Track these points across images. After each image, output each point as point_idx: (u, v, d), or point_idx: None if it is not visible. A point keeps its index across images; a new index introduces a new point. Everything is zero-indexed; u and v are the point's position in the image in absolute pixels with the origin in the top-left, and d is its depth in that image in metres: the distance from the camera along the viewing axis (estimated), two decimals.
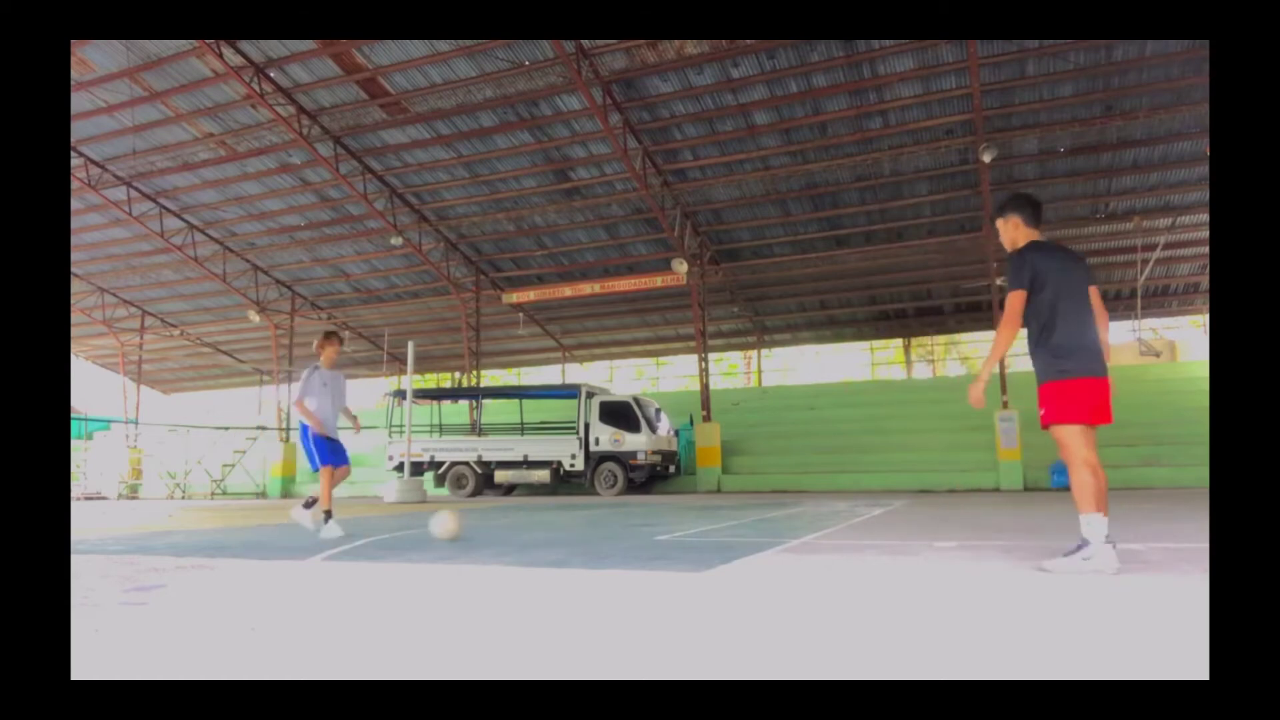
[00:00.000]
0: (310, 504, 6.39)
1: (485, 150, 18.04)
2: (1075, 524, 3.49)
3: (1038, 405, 3.64)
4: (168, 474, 23.72)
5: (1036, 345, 3.61)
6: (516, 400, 21.52)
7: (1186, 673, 1.73)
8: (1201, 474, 13.70)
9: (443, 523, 5.42)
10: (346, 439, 6.67)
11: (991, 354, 3.66)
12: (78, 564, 4.16)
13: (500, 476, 17.64)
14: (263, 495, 22.53)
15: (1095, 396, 3.52)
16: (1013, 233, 3.78)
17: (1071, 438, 3.55)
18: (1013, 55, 14.20)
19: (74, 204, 20.26)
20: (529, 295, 22.23)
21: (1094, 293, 3.67)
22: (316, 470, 6.34)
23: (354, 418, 6.74)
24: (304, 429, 6.37)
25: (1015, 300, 3.54)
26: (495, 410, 22.39)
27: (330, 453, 6.33)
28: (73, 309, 24.73)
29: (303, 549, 4.99)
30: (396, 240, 20.17)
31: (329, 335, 6.49)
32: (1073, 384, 3.50)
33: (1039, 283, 3.53)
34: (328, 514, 6.19)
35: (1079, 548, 3.41)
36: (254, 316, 24.12)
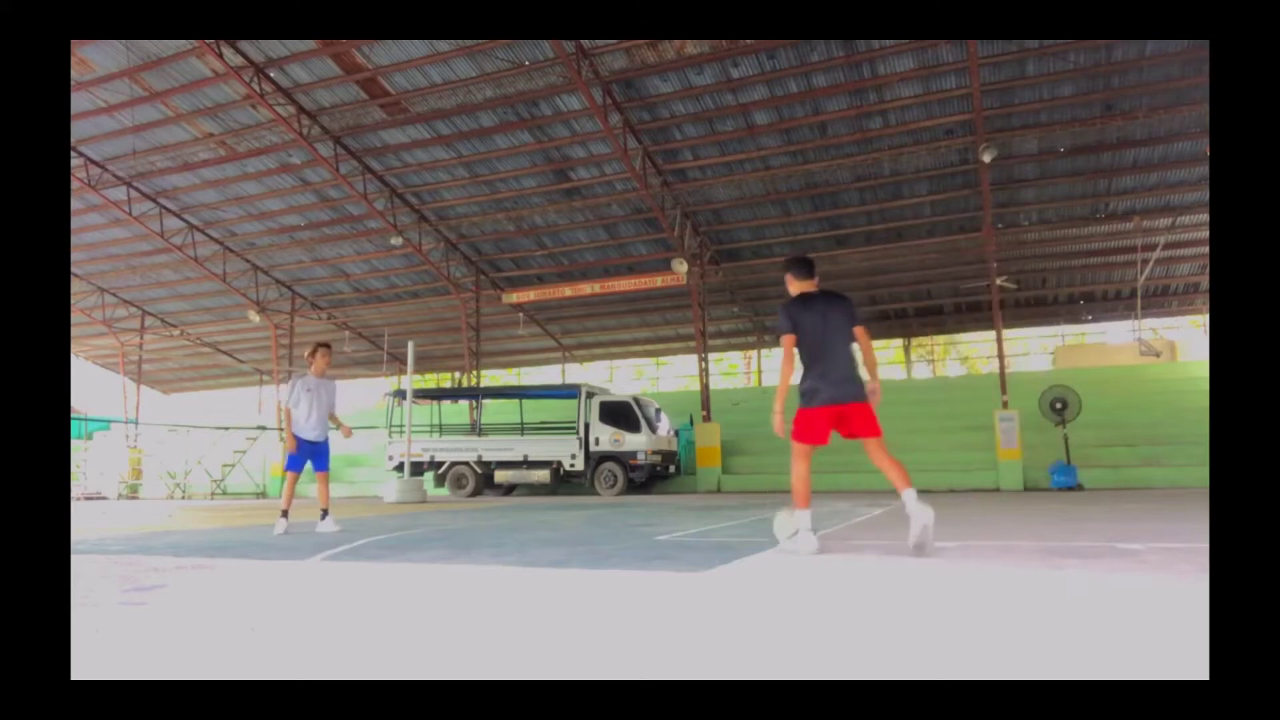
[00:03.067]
0: (325, 515, 6.77)
1: (485, 150, 18.04)
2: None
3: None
4: (168, 474, 23.71)
5: (800, 377, 4.51)
6: (516, 400, 21.52)
7: (1186, 673, 1.73)
8: (1201, 474, 13.71)
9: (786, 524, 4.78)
10: (336, 440, 6.97)
11: (779, 389, 4.55)
12: (78, 564, 4.16)
13: (500, 476, 17.64)
14: (263, 495, 22.52)
15: (841, 419, 4.46)
16: (790, 285, 4.69)
17: (797, 451, 4.50)
18: (1013, 55, 14.20)
19: (74, 204, 20.26)
20: (529, 295, 22.23)
21: (859, 333, 4.52)
22: (285, 471, 6.89)
23: (340, 424, 7.11)
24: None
25: (785, 342, 4.49)
26: (495, 410, 22.39)
27: (301, 460, 6.79)
28: (73, 309, 24.74)
29: (303, 549, 4.99)
30: (396, 240, 20.18)
31: (320, 345, 6.89)
32: (811, 412, 4.41)
33: (798, 328, 4.45)
34: (284, 512, 6.63)
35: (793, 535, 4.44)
36: (254, 316, 24.12)
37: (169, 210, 21.27)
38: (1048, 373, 21.89)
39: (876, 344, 28.79)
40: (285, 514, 6.62)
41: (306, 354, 6.88)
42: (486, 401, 20.97)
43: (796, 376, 4.55)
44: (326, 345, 6.98)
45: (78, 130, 17.92)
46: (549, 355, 28.95)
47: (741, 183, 18.29)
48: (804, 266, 4.75)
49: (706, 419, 19.23)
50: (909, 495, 4.18)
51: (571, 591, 3.10)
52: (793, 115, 16.14)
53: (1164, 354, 20.62)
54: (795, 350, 4.48)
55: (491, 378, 29.55)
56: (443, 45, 14.79)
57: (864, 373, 4.56)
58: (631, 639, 2.22)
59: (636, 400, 17.38)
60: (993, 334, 18.29)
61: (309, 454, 6.82)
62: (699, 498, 14.38)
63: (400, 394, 18.98)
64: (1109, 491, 13.56)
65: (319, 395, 6.79)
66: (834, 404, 4.39)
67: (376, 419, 21.86)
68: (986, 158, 15.48)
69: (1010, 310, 21.70)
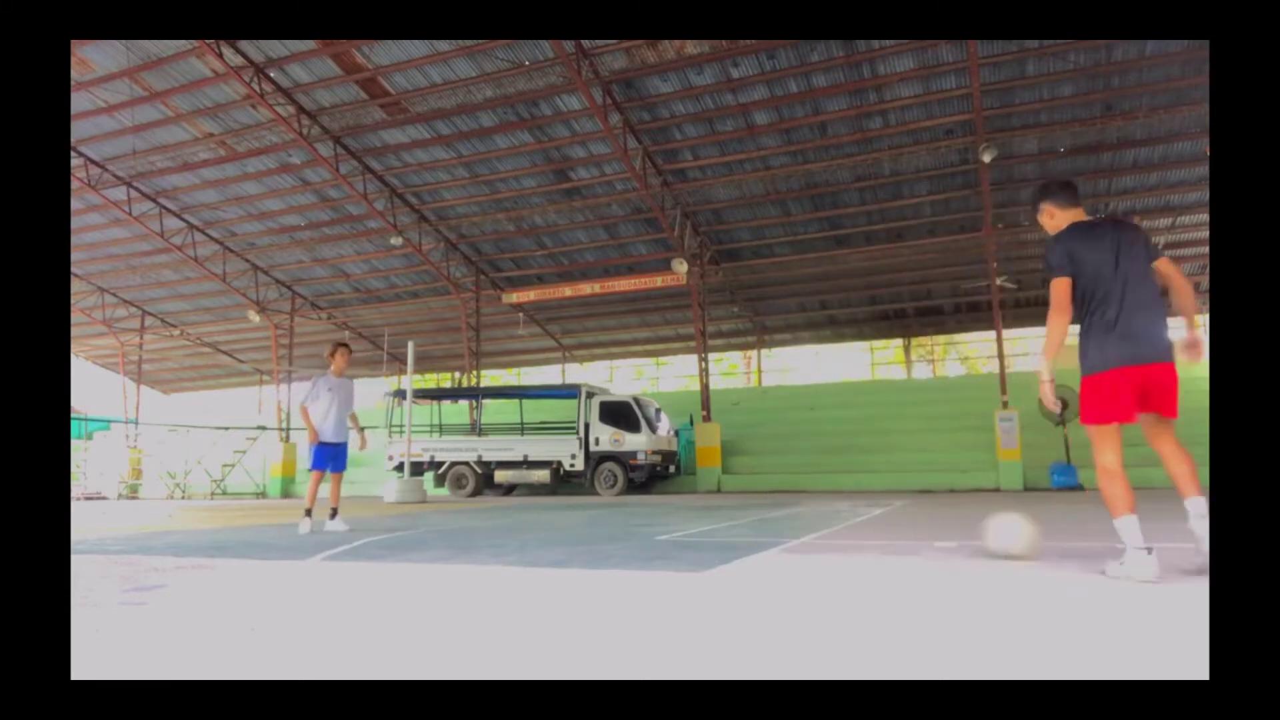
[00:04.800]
0: (334, 514, 6.85)
1: (485, 150, 18.04)
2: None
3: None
4: (168, 474, 23.71)
5: (1082, 334, 3.43)
6: (516, 400, 21.52)
7: (1186, 673, 1.73)
8: (1202, 474, 13.68)
9: (1012, 533, 4.02)
10: (353, 443, 7.12)
11: (1046, 348, 3.47)
12: (78, 564, 4.16)
13: (500, 476, 17.64)
14: (263, 495, 22.53)
15: (1142, 386, 3.30)
16: (1049, 221, 3.61)
17: (1099, 438, 3.37)
18: (1013, 55, 14.20)
19: (74, 204, 20.25)
20: (529, 295, 22.23)
21: (1162, 264, 3.41)
22: (310, 470, 6.83)
23: (361, 429, 7.20)
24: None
25: (1058, 287, 3.35)
26: (495, 410, 22.39)
27: (325, 458, 6.81)
28: (73, 309, 24.74)
29: (303, 549, 4.99)
30: (396, 240, 20.17)
31: (340, 345, 6.96)
32: (1106, 377, 3.29)
33: (1080, 266, 3.32)
34: (308, 512, 6.71)
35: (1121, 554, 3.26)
36: (254, 316, 24.11)
37: (169, 210, 21.26)
38: None
39: (876, 344, 28.99)
40: (309, 513, 6.70)
41: (327, 353, 6.96)
42: (486, 401, 20.97)
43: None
44: (346, 345, 7.06)
45: (78, 130, 17.92)
46: (549, 355, 28.95)
47: (741, 183, 18.29)
48: (1066, 191, 3.59)
49: (706, 419, 19.23)
50: (1195, 504, 3.22)
51: (571, 591, 3.10)
52: (793, 115, 16.13)
53: None
54: (1071, 297, 3.36)
55: (491, 378, 29.54)
56: (443, 45, 14.79)
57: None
58: (631, 639, 2.22)
59: (636, 400, 17.38)
60: (993, 334, 18.28)
61: (331, 452, 6.87)
62: (699, 498, 14.38)
63: (400, 394, 18.98)
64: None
65: (339, 395, 6.87)
66: (1137, 364, 3.27)
67: (376, 419, 21.87)
68: (986, 158, 15.48)
69: (1010, 310, 21.69)
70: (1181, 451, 3.33)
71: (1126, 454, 3.38)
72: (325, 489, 6.90)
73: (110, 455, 26.35)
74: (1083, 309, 3.37)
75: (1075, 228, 3.46)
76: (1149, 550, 3.11)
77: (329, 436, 6.80)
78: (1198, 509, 3.17)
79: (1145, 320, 3.30)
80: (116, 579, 3.59)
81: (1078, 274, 3.34)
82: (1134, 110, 15.05)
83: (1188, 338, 3.40)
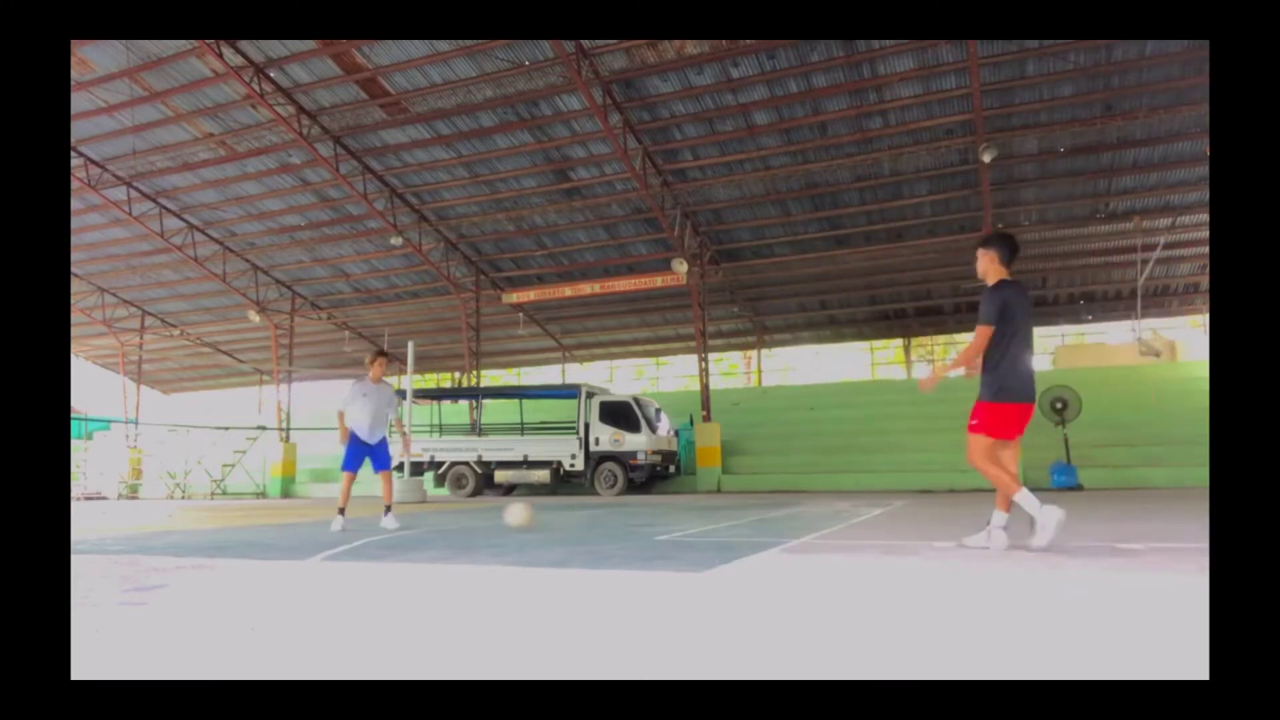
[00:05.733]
0: (387, 510, 7.17)
1: (485, 150, 18.04)
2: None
3: (970, 415, 4.36)
4: (168, 474, 23.71)
5: (991, 368, 4.29)
6: (516, 400, 21.52)
7: (1186, 673, 1.73)
8: (1201, 474, 13.70)
9: (515, 513, 6.25)
10: (337, 441, 7.30)
11: (952, 365, 4.68)
12: (78, 564, 4.16)
13: (500, 476, 17.63)
14: (263, 495, 22.53)
15: (1022, 418, 4.34)
16: (989, 267, 4.39)
17: (983, 446, 4.35)
18: (1013, 55, 14.19)
19: (74, 204, 20.24)
20: (529, 295, 22.23)
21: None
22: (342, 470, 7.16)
23: (405, 433, 7.48)
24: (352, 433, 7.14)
25: (982, 333, 4.23)
26: (495, 410, 22.38)
27: (357, 458, 7.11)
28: (73, 309, 24.73)
29: (303, 549, 4.99)
30: (396, 240, 20.17)
31: (379, 354, 7.28)
32: (1012, 408, 4.28)
33: (1007, 317, 4.21)
34: (341, 510, 6.96)
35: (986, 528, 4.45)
36: (254, 316, 24.11)
37: (169, 210, 21.26)
38: (1048, 373, 21.86)
39: (876, 344, 28.98)
40: (342, 511, 6.92)
41: (367, 360, 7.28)
42: (486, 401, 20.97)
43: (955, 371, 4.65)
44: (384, 353, 7.34)
45: (78, 130, 17.91)
46: (549, 355, 28.95)
47: (741, 183, 18.29)
48: (1011, 249, 4.41)
49: (706, 419, 19.22)
50: (1000, 517, 4.33)
51: (571, 591, 3.10)
52: (793, 115, 16.13)
53: (1164, 354, 20.60)
54: (991, 342, 4.27)
55: (491, 378, 29.54)
56: (443, 45, 14.79)
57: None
58: (631, 639, 2.22)
59: (636, 400, 17.38)
60: None
61: (365, 453, 7.14)
62: (699, 498, 14.38)
63: (400, 394, 18.95)
64: (1109, 491, 13.56)
65: (375, 399, 7.12)
66: (1027, 402, 4.30)
67: None
68: (986, 158, 15.48)
69: None
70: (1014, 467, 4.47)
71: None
72: (374, 488, 7.10)
73: (110, 455, 26.35)
74: (996, 350, 4.24)
75: (1008, 285, 4.32)
76: (1006, 528, 4.32)
77: (364, 437, 7.07)
78: (1000, 521, 4.37)
79: (1030, 367, 4.33)
80: (116, 579, 3.59)
81: (1003, 325, 4.21)
82: (1134, 110, 15.05)
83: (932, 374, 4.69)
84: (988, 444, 4.30)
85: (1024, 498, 4.13)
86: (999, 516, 4.34)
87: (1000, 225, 18.05)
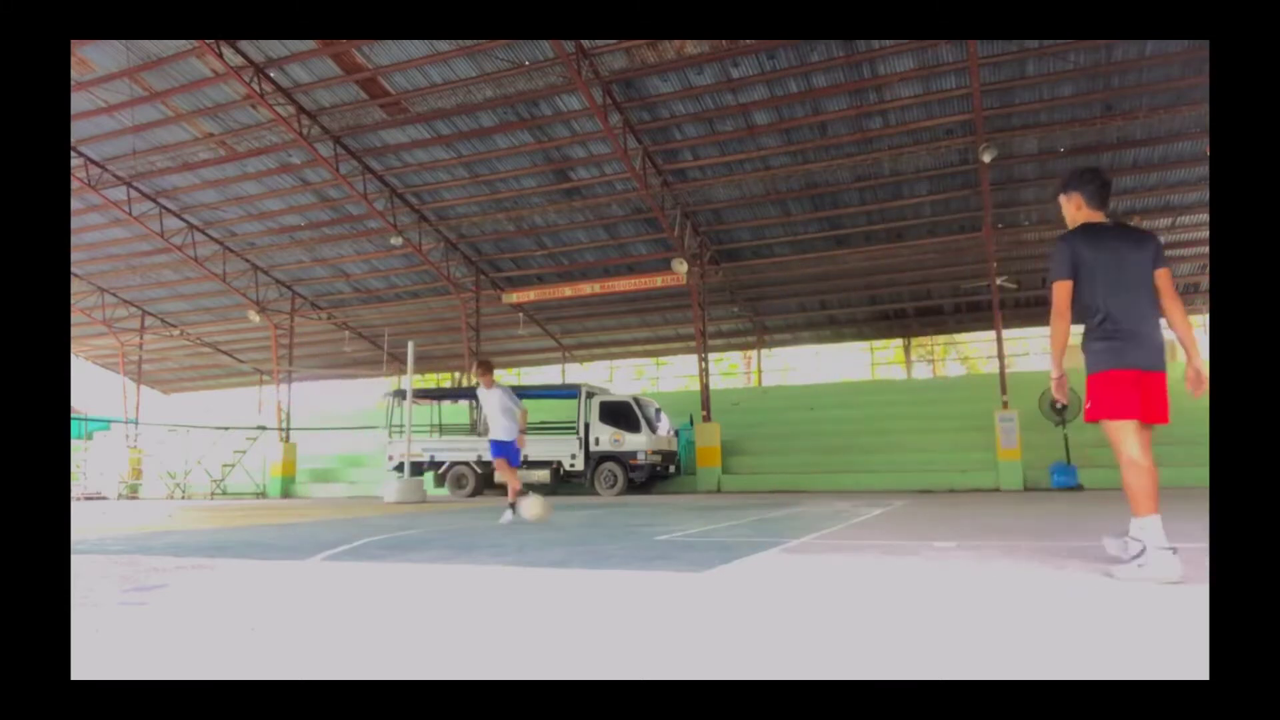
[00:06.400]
0: (513, 505, 7.60)
1: (485, 150, 18.03)
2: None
3: (1084, 398, 3.46)
4: (168, 474, 23.71)
5: (1086, 335, 3.43)
6: None
7: (1186, 673, 1.73)
8: (1201, 474, 13.69)
9: (531, 506, 6.83)
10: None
11: (1052, 349, 3.50)
12: (78, 564, 4.16)
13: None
14: (263, 495, 22.52)
15: (1144, 390, 3.29)
16: (1071, 211, 3.58)
17: (1116, 434, 3.31)
18: (1013, 55, 14.19)
19: (74, 204, 20.24)
20: (529, 295, 22.23)
21: (1161, 277, 3.38)
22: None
23: (522, 429, 7.92)
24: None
25: (1059, 290, 3.38)
26: None
27: (493, 452, 8.03)
28: (73, 309, 24.73)
29: (303, 549, 4.99)
30: (396, 240, 20.17)
31: (479, 364, 7.93)
32: (1118, 375, 3.27)
33: (1084, 270, 3.34)
34: (516, 498, 7.54)
35: (1138, 554, 3.19)
36: (254, 316, 24.10)
37: (169, 210, 21.26)
38: (1048, 373, 21.86)
39: (876, 344, 28.97)
40: (517, 499, 7.47)
41: (474, 371, 8.05)
42: None
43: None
44: (483, 362, 7.91)
45: (78, 130, 17.91)
46: (549, 355, 28.93)
47: (741, 183, 18.28)
48: (1102, 192, 3.54)
49: (706, 419, 19.22)
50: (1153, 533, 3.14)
51: (571, 591, 3.10)
52: (793, 115, 16.13)
53: None
54: (1072, 300, 3.39)
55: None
56: (443, 45, 14.78)
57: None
58: (631, 639, 2.22)
59: (636, 400, 17.38)
60: (993, 334, 18.27)
61: (498, 450, 7.96)
62: (699, 498, 14.38)
63: (400, 394, 18.98)
64: (1109, 491, 13.55)
65: (484, 403, 7.94)
66: (1137, 368, 3.29)
67: (376, 419, 21.85)
68: (986, 158, 15.47)
69: (1010, 310, 21.68)
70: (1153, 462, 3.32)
71: None
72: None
73: (110, 455, 26.34)
74: (1087, 310, 3.38)
75: (1086, 229, 3.46)
76: (1174, 550, 3.07)
77: (492, 435, 7.97)
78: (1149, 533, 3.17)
79: (1146, 328, 3.33)
80: (116, 579, 3.59)
81: (1080, 277, 3.35)
82: (1134, 110, 15.05)
83: (1190, 371, 3.36)
84: (1118, 430, 3.27)
85: (1149, 524, 3.15)
86: (1150, 530, 3.14)
87: (1001, 225, 18.05)
